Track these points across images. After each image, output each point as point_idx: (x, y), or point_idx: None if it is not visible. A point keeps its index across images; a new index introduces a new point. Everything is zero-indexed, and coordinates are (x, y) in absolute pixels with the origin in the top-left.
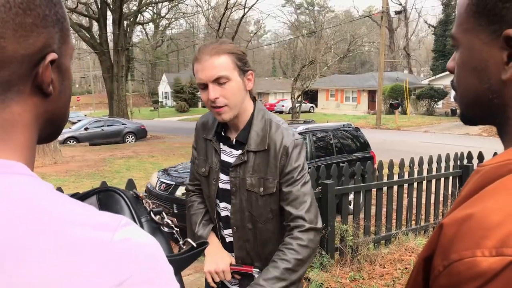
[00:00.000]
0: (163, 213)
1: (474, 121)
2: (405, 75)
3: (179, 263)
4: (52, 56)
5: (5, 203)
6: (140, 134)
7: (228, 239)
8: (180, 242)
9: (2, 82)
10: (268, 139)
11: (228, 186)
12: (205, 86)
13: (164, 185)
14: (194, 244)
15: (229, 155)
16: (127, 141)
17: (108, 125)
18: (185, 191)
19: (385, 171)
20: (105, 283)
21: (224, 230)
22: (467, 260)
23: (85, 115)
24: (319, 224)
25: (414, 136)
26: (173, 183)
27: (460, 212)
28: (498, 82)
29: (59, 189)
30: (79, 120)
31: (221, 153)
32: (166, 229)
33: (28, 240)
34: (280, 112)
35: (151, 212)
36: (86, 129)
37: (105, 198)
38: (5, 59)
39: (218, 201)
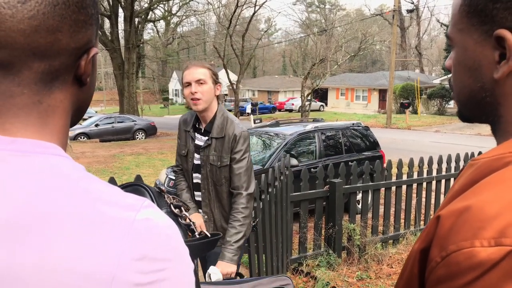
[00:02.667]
0: (182, 207)
1: (470, 118)
2: (416, 74)
3: (194, 249)
4: (94, 51)
5: (45, 178)
6: (150, 131)
7: (197, 199)
8: (196, 233)
9: (52, 71)
10: (225, 130)
11: (199, 162)
12: (189, 84)
13: (173, 181)
14: (209, 234)
15: (200, 140)
16: (137, 137)
17: (118, 122)
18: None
19: (394, 170)
20: (126, 256)
21: (195, 192)
22: (465, 251)
23: (96, 112)
24: (251, 190)
25: (424, 135)
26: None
27: (457, 204)
28: (490, 81)
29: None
30: (90, 117)
31: (195, 139)
32: (183, 222)
33: (67, 212)
34: (290, 111)
35: (171, 205)
36: (96, 125)
37: (132, 191)
38: (59, 51)
39: (193, 173)
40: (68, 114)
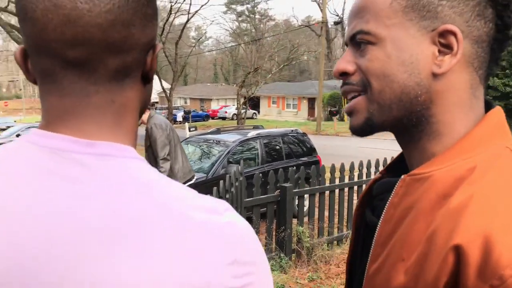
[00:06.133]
0: None
1: (377, 127)
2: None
3: None
4: (160, 46)
5: (128, 183)
6: None
7: None
8: None
9: (125, 68)
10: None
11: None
12: None
13: None
14: None
15: None
16: None
17: None
18: None
19: (327, 175)
20: (220, 261)
21: None
22: None
23: (15, 121)
24: (162, 155)
25: (352, 141)
26: None
27: (474, 228)
28: (428, 76)
29: None
30: (9, 127)
31: None
32: None
33: (157, 219)
34: (223, 118)
35: None
36: (18, 135)
37: None
38: (132, 46)
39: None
40: (137, 113)
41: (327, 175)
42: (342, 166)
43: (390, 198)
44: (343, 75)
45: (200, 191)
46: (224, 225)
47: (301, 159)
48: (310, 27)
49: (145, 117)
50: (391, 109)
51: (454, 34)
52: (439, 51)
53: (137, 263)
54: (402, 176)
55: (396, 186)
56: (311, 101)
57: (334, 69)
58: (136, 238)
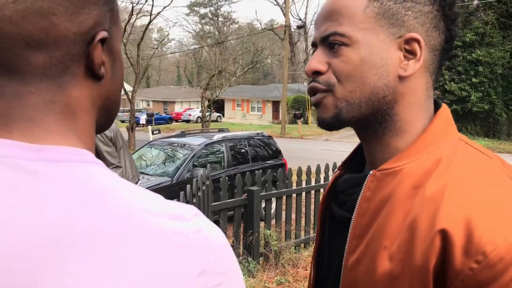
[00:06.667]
0: None
1: (346, 122)
2: (305, 86)
3: None
4: (102, 34)
5: (83, 190)
6: None
7: None
8: None
9: (56, 64)
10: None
11: None
12: None
13: None
14: None
15: None
16: None
17: None
18: None
19: (294, 178)
20: (186, 274)
21: None
22: (505, 244)
23: None
24: (114, 162)
25: (316, 144)
26: None
27: (456, 212)
28: (394, 79)
29: None
30: None
31: None
32: None
33: (110, 229)
34: (188, 121)
35: None
36: None
37: None
38: (58, 38)
39: None
40: (90, 114)
41: (294, 178)
42: (309, 168)
43: (362, 193)
44: (315, 74)
45: (164, 196)
46: (191, 233)
47: (267, 162)
48: (273, 30)
49: None
50: (360, 107)
51: (417, 41)
52: (404, 56)
53: (88, 281)
54: (371, 171)
55: (366, 181)
56: (276, 104)
57: (306, 68)
58: (86, 252)
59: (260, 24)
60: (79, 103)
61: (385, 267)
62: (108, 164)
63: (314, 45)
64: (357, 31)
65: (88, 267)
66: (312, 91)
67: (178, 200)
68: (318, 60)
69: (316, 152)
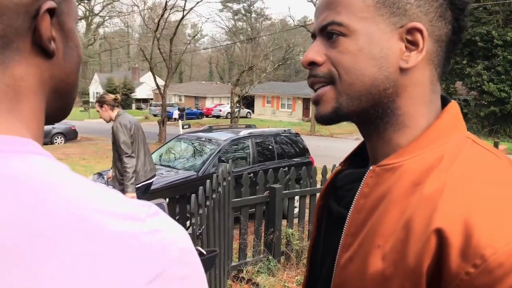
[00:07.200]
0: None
1: (346, 116)
2: None
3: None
4: (48, 4)
5: (26, 186)
6: (70, 135)
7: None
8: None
9: None
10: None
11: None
12: None
13: None
14: (204, 251)
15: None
16: (56, 142)
17: None
18: None
19: (319, 176)
20: (136, 281)
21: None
22: (506, 249)
23: None
24: (126, 153)
25: (346, 143)
26: (111, 186)
27: (454, 211)
28: (395, 71)
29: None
30: None
31: None
32: None
33: (53, 231)
34: (218, 117)
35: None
36: None
37: None
38: None
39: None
40: (38, 96)
41: (319, 176)
42: (334, 167)
43: (359, 188)
44: (311, 65)
45: (189, 189)
46: (144, 235)
47: (293, 159)
48: (306, 27)
49: (112, 115)
50: (360, 101)
51: (420, 31)
52: (406, 47)
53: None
54: (371, 167)
55: (365, 176)
56: (306, 102)
57: (302, 59)
58: (24, 258)
59: (293, 21)
60: (24, 83)
61: (377, 267)
62: (122, 153)
63: (314, 36)
64: (356, 20)
65: (26, 278)
66: (312, 86)
67: (197, 195)
68: (315, 51)
69: (346, 151)
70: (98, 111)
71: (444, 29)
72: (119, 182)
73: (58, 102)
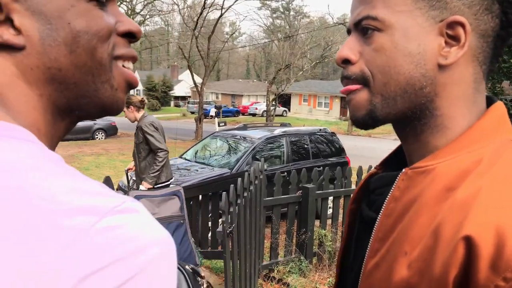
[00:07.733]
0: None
1: (381, 120)
2: None
3: None
4: None
5: None
6: (111, 131)
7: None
8: None
9: None
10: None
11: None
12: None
13: (135, 183)
14: (202, 274)
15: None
16: (97, 137)
17: None
18: None
19: (354, 177)
20: (64, 276)
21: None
22: None
23: None
24: (160, 146)
25: (384, 143)
26: (131, 177)
27: (486, 218)
28: (433, 68)
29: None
30: None
31: None
32: None
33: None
34: (254, 115)
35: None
36: None
37: None
38: None
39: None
40: (23, 89)
41: (353, 177)
42: (370, 168)
43: (390, 192)
44: (345, 62)
45: (223, 187)
46: (95, 230)
47: (329, 159)
48: (345, 25)
49: (138, 116)
50: (395, 102)
51: (462, 25)
52: (446, 43)
53: None
54: (404, 169)
55: (397, 179)
56: (344, 100)
57: (336, 56)
58: None
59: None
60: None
61: (402, 275)
62: (156, 148)
63: (349, 31)
64: (392, 14)
65: None
66: (345, 92)
67: (228, 193)
68: (349, 48)
69: (384, 151)
70: (124, 111)
71: (490, 23)
72: (141, 179)
73: (67, 92)
